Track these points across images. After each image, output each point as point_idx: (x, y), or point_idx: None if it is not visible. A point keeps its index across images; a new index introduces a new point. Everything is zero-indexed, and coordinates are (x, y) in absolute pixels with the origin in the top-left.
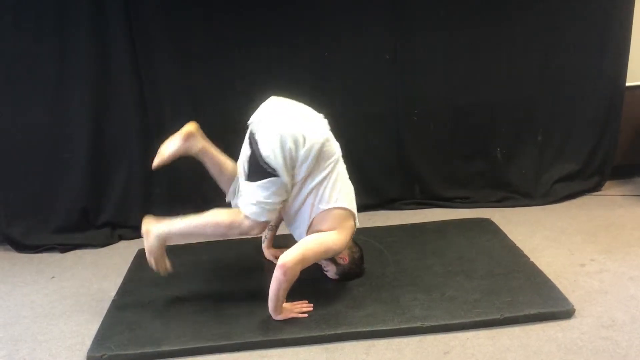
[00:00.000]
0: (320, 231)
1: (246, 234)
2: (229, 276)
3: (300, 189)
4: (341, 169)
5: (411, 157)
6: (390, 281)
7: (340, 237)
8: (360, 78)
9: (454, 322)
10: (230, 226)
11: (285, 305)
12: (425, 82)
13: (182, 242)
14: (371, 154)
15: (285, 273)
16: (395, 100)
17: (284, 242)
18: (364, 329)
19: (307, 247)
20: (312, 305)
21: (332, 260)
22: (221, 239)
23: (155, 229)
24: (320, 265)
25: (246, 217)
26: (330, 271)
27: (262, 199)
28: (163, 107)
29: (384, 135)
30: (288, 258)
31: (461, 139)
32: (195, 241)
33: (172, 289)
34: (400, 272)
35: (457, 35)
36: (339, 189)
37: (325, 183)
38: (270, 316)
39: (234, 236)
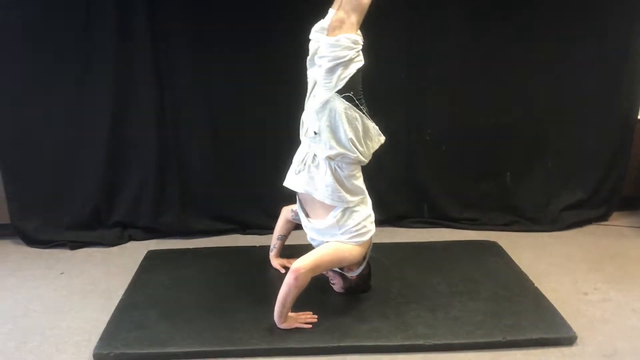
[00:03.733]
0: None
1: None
2: (237, 282)
3: None
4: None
5: (421, 176)
6: (395, 297)
7: (358, 249)
8: (374, 95)
9: (457, 342)
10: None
11: (291, 314)
12: (438, 103)
13: None
14: (381, 171)
15: (297, 278)
16: (407, 119)
17: (289, 252)
18: (368, 344)
19: (322, 254)
20: (316, 316)
21: (340, 274)
22: None
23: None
24: (328, 278)
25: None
26: (337, 284)
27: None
28: (181, 111)
29: (395, 153)
30: (302, 263)
31: (471, 161)
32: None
33: (180, 291)
34: (406, 289)
35: (470, 57)
36: None
37: None
38: (275, 324)
39: None
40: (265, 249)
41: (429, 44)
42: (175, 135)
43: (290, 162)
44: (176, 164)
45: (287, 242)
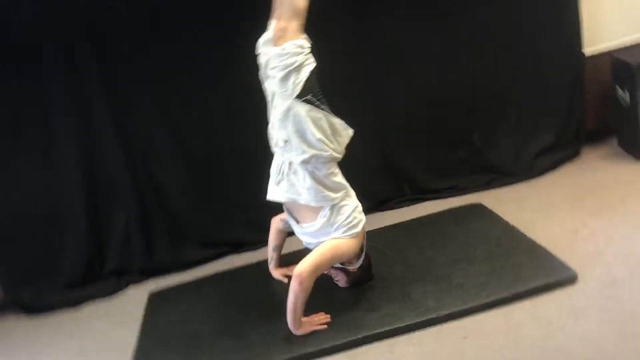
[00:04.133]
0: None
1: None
2: (244, 303)
3: None
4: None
5: (396, 157)
6: (398, 279)
7: (353, 241)
8: (335, 91)
9: (467, 307)
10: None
11: (304, 319)
12: (397, 80)
13: None
14: (356, 161)
15: (301, 283)
16: (372, 105)
17: (287, 260)
18: (384, 329)
19: (321, 254)
20: (329, 315)
21: (343, 270)
22: None
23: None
24: (330, 277)
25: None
26: (341, 280)
27: None
28: (149, 145)
29: (366, 141)
30: (303, 267)
31: (440, 132)
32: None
33: (190, 325)
34: (407, 269)
35: (425, 33)
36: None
37: None
38: (292, 333)
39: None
40: (263, 264)
41: (378, 22)
42: (149, 168)
43: (268, 175)
44: (156, 198)
45: (283, 251)
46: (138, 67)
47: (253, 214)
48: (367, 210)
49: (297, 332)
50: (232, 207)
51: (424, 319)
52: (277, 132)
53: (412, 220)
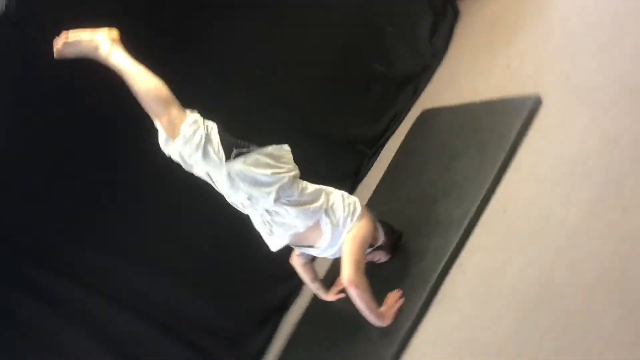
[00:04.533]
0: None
1: None
2: (322, 338)
3: None
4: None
5: (334, 130)
6: (418, 223)
7: (365, 220)
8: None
9: (487, 186)
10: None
11: (382, 310)
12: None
13: None
14: (305, 160)
15: (356, 286)
16: (283, 108)
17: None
18: (444, 261)
19: (350, 252)
20: (397, 290)
21: (376, 249)
22: None
23: None
24: (373, 262)
25: None
26: (382, 257)
27: None
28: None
29: (299, 139)
30: (347, 273)
31: (347, 84)
32: None
33: None
34: (412, 207)
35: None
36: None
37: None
38: (383, 327)
39: None
40: (317, 300)
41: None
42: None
43: (255, 233)
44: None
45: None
46: None
47: (271, 272)
48: (351, 189)
49: (385, 322)
50: (252, 278)
51: (465, 221)
52: (236, 198)
53: (387, 169)
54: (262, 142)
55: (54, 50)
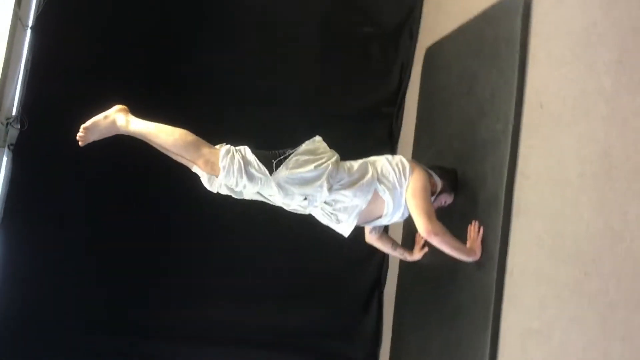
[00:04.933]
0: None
1: None
2: (429, 291)
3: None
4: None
5: (348, 110)
6: (459, 151)
7: (417, 172)
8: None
9: (516, 89)
10: None
11: (468, 246)
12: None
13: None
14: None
15: (436, 234)
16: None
17: (404, 240)
18: (505, 175)
19: (418, 205)
20: (473, 221)
21: (437, 195)
22: None
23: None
24: (442, 207)
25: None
26: (447, 199)
27: None
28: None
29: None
30: (423, 225)
31: (349, 60)
32: None
33: None
34: (454, 140)
35: None
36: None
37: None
38: (475, 261)
39: None
40: (406, 264)
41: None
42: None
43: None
44: None
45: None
46: None
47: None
48: (392, 152)
49: (477, 255)
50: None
51: (509, 131)
52: (293, 204)
53: (417, 115)
54: (295, 144)
55: (78, 138)
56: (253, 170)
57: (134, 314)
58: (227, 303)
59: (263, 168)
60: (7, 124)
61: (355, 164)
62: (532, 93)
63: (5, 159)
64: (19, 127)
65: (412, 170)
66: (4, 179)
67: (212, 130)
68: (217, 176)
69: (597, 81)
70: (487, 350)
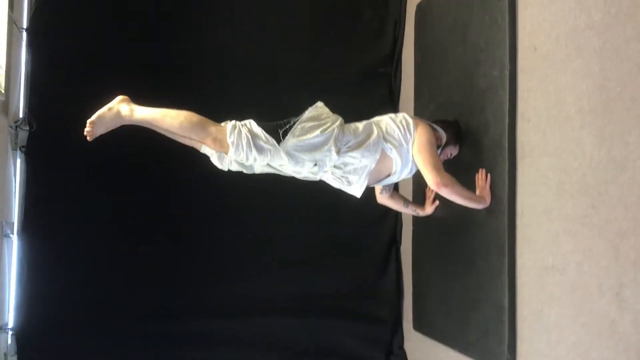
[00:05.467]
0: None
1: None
2: (445, 242)
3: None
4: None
5: (346, 73)
6: (459, 102)
7: (421, 127)
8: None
9: (508, 33)
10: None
11: (477, 194)
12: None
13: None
14: (335, 107)
15: (445, 185)
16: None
17: (414, 195)
18: (506, 119)
19: (425, 159)
20: (480, 169)
21: (444, 147)
22: None
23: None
24: (449, 159)
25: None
26: (453, 151)
27: None
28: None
29: (319, 94)
30: (431, 177)
31: (342, 26)
32: None
33: None
34: (453, 92)
35: None
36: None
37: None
38: (486, 207)
39: None
40: (419, 219)
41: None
42: None
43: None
44: None
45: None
46: None
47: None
48: (394, 110)
49: (487, 202)
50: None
51: (506, 75)
52: (304, 171)
53: (415, 72)
54: (298, 113)
55: (86, 133)
56: (261, 142)
57: (161, 296)
58: (251, 277)
59: (271, 139)
60: (17, 126)
61: (360, 125)
62: (525, 36)
63: (19, 160)
64: (27, 128)
65: (416, 126)
66: (20, 181)
67: (215, 108)
68: (226, 153)
69: (587, 15)
70: (506, 291)
